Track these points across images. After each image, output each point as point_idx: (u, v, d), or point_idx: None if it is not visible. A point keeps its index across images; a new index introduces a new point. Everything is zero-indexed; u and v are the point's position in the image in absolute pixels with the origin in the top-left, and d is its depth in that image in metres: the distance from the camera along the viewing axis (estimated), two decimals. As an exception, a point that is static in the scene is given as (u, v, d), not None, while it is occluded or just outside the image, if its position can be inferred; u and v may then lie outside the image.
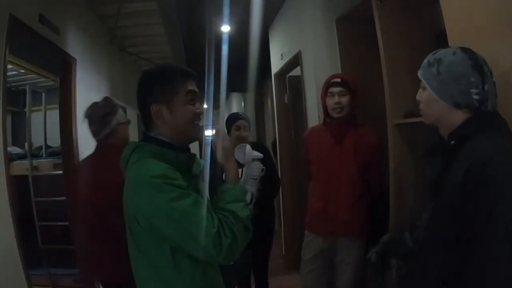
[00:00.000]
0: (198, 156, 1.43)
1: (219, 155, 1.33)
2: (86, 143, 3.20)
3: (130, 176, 1.22)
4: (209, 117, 1.32)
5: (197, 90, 1.35)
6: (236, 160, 1.42)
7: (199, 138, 1.40)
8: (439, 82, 1.20)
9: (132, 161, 1.25)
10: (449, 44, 1.46)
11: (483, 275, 1.00)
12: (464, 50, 1.19)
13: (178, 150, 1.30)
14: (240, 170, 1.42)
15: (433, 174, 1.28)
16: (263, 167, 1.77)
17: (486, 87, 1.15)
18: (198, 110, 1.33)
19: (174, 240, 1.16)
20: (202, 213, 1.14)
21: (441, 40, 1.59)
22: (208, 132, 1.44)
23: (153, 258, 1.20)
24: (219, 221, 1.16)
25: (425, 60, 1.27)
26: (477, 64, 1.16)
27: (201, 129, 1.37)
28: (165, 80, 1.30)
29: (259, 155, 1.47)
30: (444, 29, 1.51)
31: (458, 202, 1.08)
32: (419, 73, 1.29)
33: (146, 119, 1.33)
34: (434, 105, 1.24)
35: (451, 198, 1.11)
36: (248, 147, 1.46)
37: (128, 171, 1.25)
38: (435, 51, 1.26)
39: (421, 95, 1.31)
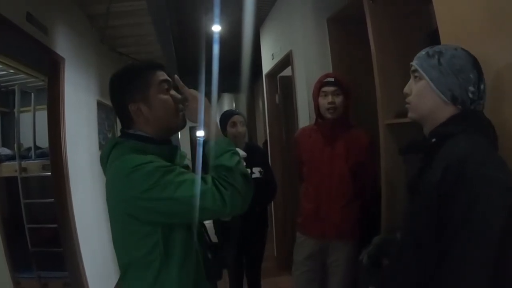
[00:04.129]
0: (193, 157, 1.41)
1: (189, 115, 1.33)
2: (74, 144, 3.18)
3: (113, 172, 1.20)
4: (200, 117, 1.29)
5: (169, 78, 1.34)
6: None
7: (184, 125, 1.39)
8: (440, 73, 1.15)
9: (113, 158, 1.23)
10: (442, 43, 1.45)
11: (455, 279, 0.98)
12: (463, 48, 1.18)
13: (159, 143, 1.29)
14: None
15: (411, 173, 1.26)
16: (261, 170, 1.77)
17: (482, 87, 1.14)
18: (175, 97, 1.33)
19: (177, 214, 1.15)
20: (191, 177, 1.15)
21: (433, 39, 1.58)
22: (200, 133, 1.42)
23: (141, 259, 1.18)
24: (213, 179, 1.16)
25: (422, 52, 1.23)
26: (476, 63, 1.14)
27: (184, 117, 1.36)
28: (135, 77, 1.29)
29: (242, 154, 1.46)
30: (436, 28, 1.51)
31: (433, 203, 1.05)
32: (415, 63, 1.23)
33: (125, 119, 1.31)
34: (428, 96, 1.19)
35: (426, 198, 1.08)
36: None
37: (109, 168, 1.23)
38: (431, 46, 1.23)
39: (411, 87, 1.25)
